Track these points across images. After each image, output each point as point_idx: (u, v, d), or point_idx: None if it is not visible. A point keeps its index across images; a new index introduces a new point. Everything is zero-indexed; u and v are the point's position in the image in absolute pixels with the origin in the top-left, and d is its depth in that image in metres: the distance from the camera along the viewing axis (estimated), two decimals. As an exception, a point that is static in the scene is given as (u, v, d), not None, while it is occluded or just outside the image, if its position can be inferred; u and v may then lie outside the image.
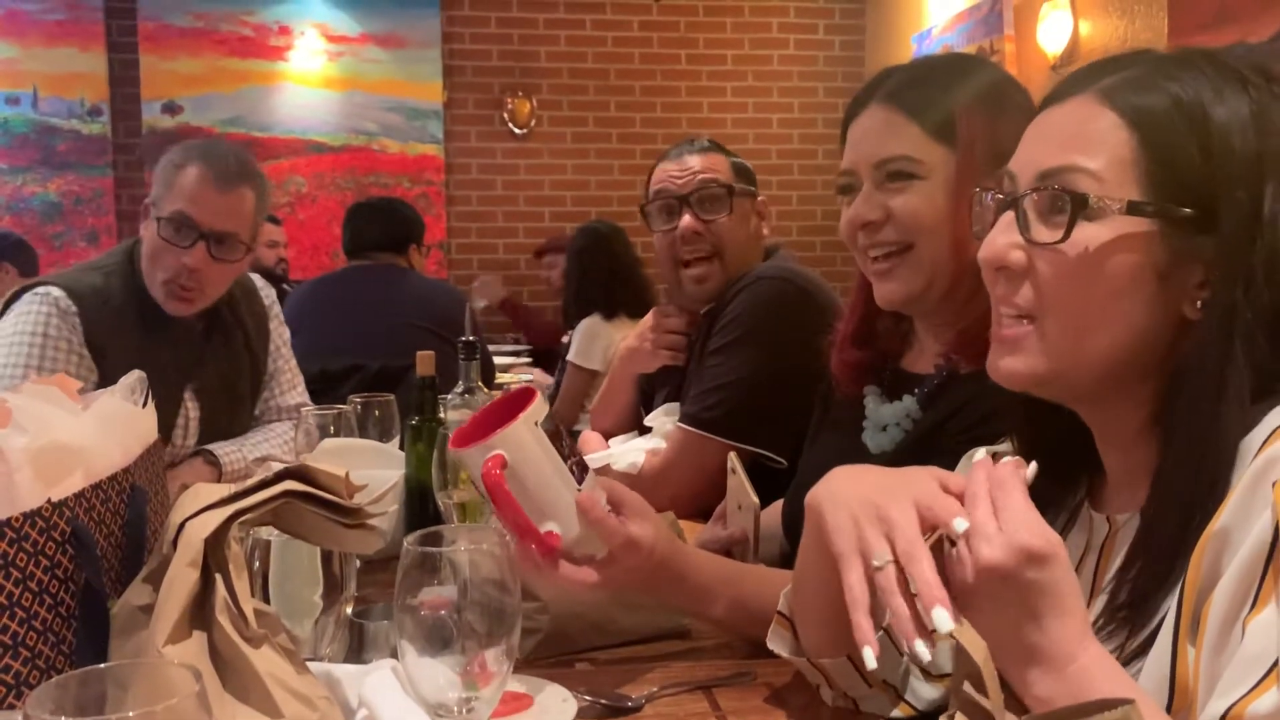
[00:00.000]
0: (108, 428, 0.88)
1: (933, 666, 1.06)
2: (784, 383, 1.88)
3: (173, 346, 2.07)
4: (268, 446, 2.16)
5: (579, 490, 1.06)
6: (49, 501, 0.77)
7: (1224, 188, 0.83)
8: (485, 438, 1.03)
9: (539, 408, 1.05)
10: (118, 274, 2.05)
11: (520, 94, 6.17)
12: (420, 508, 1.58)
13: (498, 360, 4.36)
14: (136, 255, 2.07)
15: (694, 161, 2.07)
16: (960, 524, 0.80)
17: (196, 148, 2.07)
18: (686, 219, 2.03)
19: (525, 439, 1.03)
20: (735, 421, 1.90)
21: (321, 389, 2.60)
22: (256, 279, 2.33)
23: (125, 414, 0.91)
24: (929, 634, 0.77)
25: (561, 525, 1.06)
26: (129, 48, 5.79)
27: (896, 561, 0.80)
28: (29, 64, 5.66)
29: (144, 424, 0.93)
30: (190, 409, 2.11)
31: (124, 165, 5.78)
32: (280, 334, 2.33)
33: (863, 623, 0.80)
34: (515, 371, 4.67)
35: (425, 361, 1.64)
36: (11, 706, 0.75)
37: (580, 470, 1.08)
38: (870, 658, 0.79)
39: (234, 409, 2.19)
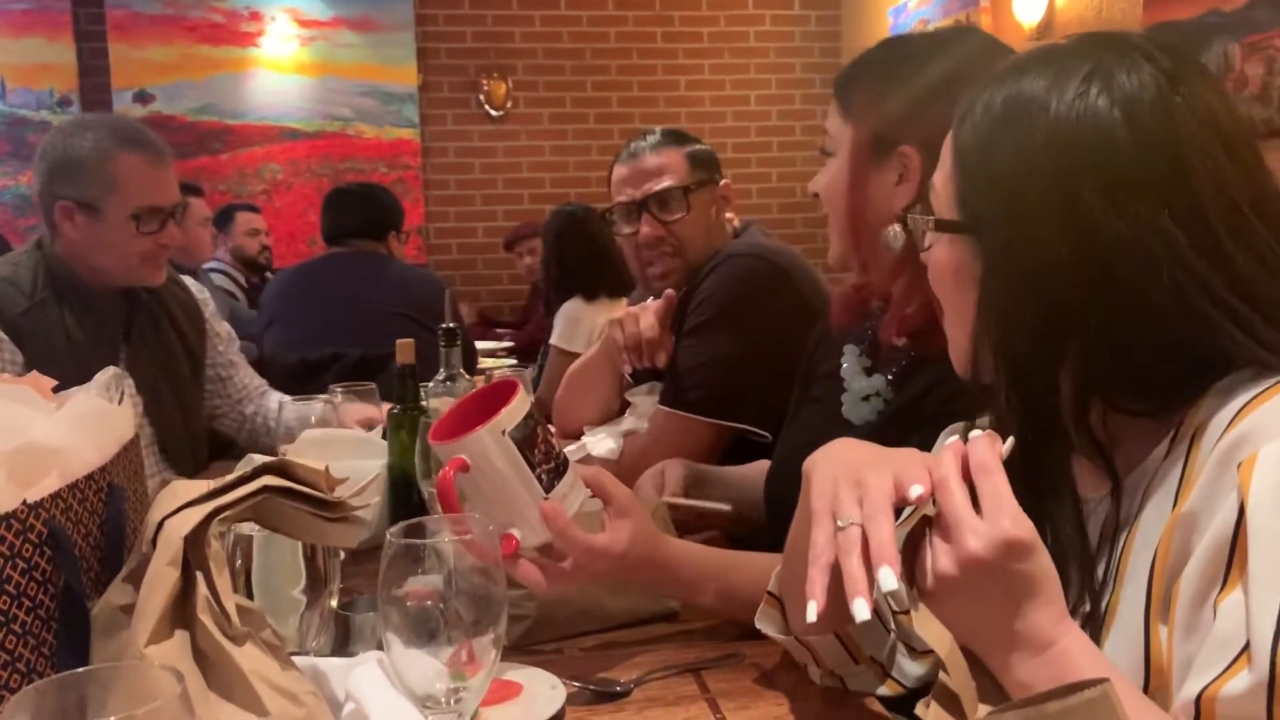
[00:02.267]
0: (83, 427, 0.87)
1: (918, 643, 1.06)
2: (761, 357, 1.88)
3: (94, 325, 2.10)
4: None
5: (545, 498, 1.05)
6: (24, 503, 0.76)
7: (1010, 204, 0.86)
8: (454, 436, 1.03)
9: (514, 410, 1.03)
10: (27, 263, 2.11)
11: (496, 76, 6.13)
12: (404, 496, 1.58)
13: (479, 344, 4.34)
14: (46, 246, 2.13)
15: (648, 162, 2.05)
16: (915, 490, 0.80)
17: (109, 135, 2.09)
18: (645, 227, 2.03)
19: (489, 446, 1.02)
20: (716, 400, 1.91)
21: (302, 378, 2.59)
22: (191, 283, 2.39)
23: (100, 412, 0.90)
24: (871, 595, 0.78)
25: (524, 531, 1.06)
26: (98, 36, 5.72)
27: (862, 523, 0.81)
28: (-5, 55, 5.59)
29: (120, 422, 0.92)
30: (126, 387, 2.12)
31: (96, 156, 5.71)
32: (219, 328, 2.38)
33: (816, 578, 0.81)
34: (498, 357, 4.65)
35: (405, 350, 1.63)
36: (-8, 711, 0.74)
37: (553, 477, 1.06)
38: (812, 612, 0.80)
39: (176, 389, 2.20)
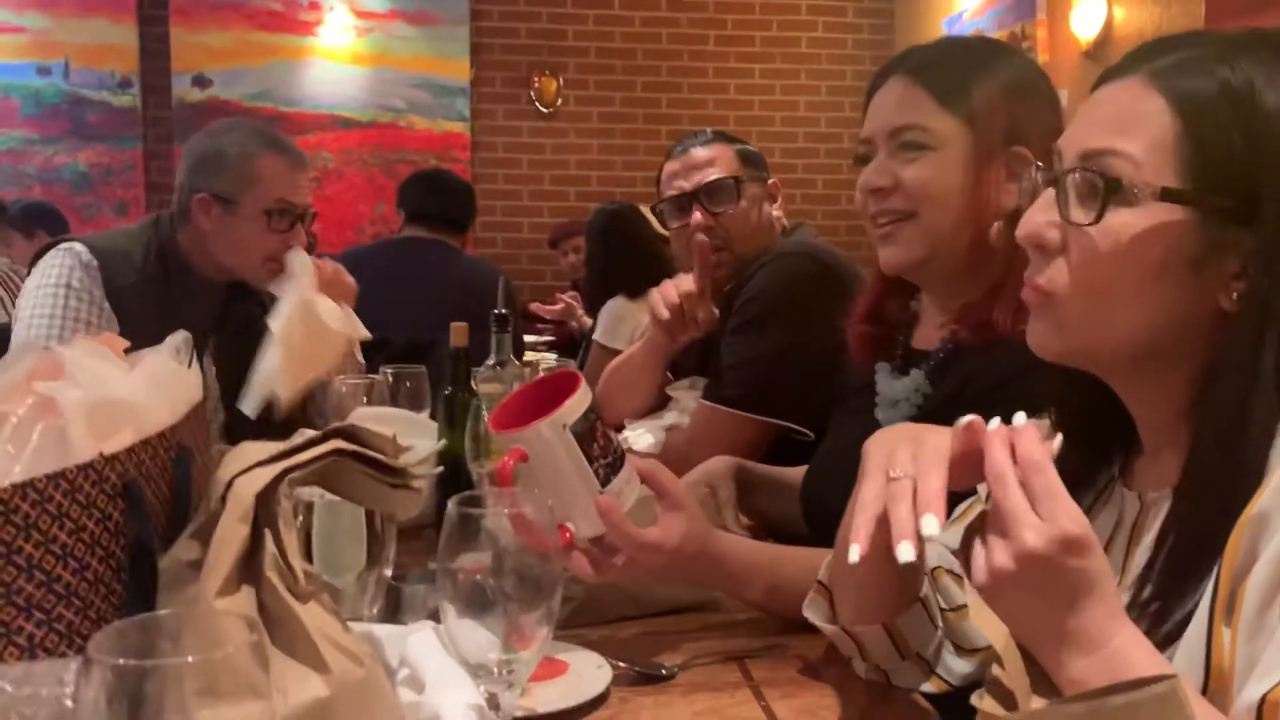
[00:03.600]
0: (156, 386, 0.88)
1: (964, 641, 1.06)
2: (807, 356, 1.88)
3: (191, 311, 2.13)
4: None
5: (601, 492, 1.06)
6: (101, 455, 0.78)
7: (1267, 179, 0.81)
8: (514, 424, 1.03)
9: (576, 404, 1.04)
10: (140, 239, 2.16)
11: (547, 73, 6.16)
12: (453, 478, 1.59)
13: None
14: (164, 226, 2.19)
15: (699, 155, 2.08)
16: (963, 419, 0.82)
17: (253, 136, 2.18)
18: (696, 215, 2.04)
19: (549, 439, 1.03)
20: (760, 397, 1.91)
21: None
22: None
23: (173, 373, 0.92)
24: (919, 541, 0.78)
25: (579, 523, 1.07)
26: (160, 20, 5.82)
27: (914, 476, 0.81)
28: (61, 35, 5.70)
29: (190, 384, 0.93)
30: (207, 366, 2.18)
31: (154, 138, 5.82)
32: None
33: (862, 526, 0.81)
34: (538, 350, 4.67)
35: (459, 333, 1.65)
36: (64, 655, 0.76)
37: (610, 471, 1.07)
38: (855, 553, 0.80)
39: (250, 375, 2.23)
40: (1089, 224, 0.86)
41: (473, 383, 1.68)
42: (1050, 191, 0.90)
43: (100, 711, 0.54)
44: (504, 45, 6.16)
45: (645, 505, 1.13)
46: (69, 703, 0.69)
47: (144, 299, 2.09)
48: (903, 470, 0.81)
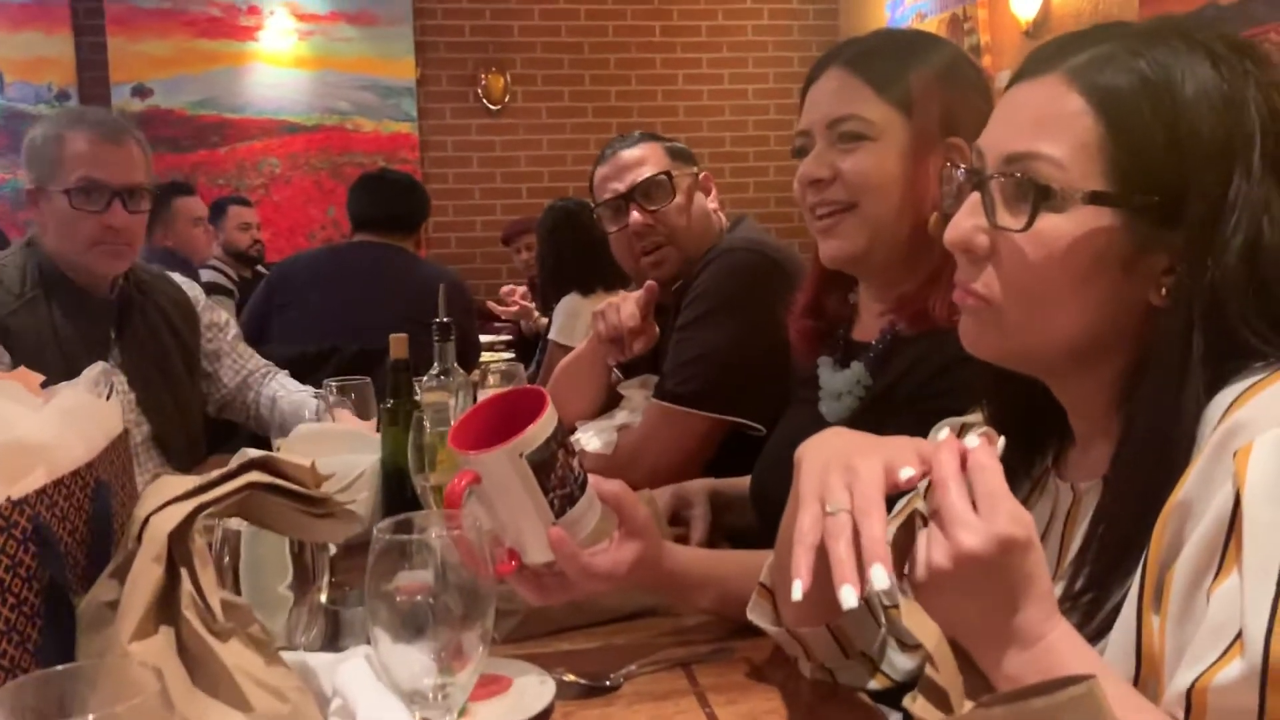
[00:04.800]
0: (70, 422, 0.86)
1: (907, 636, 1.06)
2: (757, 351, 1.88)
3: (85, 324, 2.08)
4: None
5: (554, 522, 1.03)
6: (8, 500, 0.76)
7: (1191, 174, 0.81)
8: (474, 441, 1.00)
9: (536, 433, 1.00)
10: (14, 262, 2.08)
11: (494, 69, 6.13)
12: (397, 491, 1.57)
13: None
14: (36, 243, 2.10)
15: (629, 156, 2.08)
16: (906, 472, 0.79)
17: (64, 117, 2.09)
18: (634, 216, 2.04)
19: (505, 466, 0.99)
20: (711, 393, 1.91)
21: (298, 373, 2.56)
22: (181, 279, 2.36)
23: (88, 407, 0.90)
24: (861, 584, 0.76)
25: (529, 549, 1.04)
26: (96, 30, 5.72)
27: (853, 513, 0.79)
28: (-6, 49, 5.59)
29: (108, 417, 0.92)
30: (118, 384, 2.12)
31: (94, 150, 5.71)
32: (214, 318, 2.35)
33: (802, 558, 0.79)
34: (495, 350, 4.65)
35: (399, 344, 1.63)
36: (-23, 707, 0.74)
37: (567, 502, 1.04)
38: (798, 590, 0.78)
39: (172, 386, 2.19)
40: (1018, 230, 0.85)
41: (416, 393, 1.65)
42: (976, 195, 0.90)
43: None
44: (449, 43, 6.11)
45: (607, 518, 1.11)
46: (-24, 760, 0.67)
47: (30, 323, 2.01)
48: (839, 504, 0.79)
